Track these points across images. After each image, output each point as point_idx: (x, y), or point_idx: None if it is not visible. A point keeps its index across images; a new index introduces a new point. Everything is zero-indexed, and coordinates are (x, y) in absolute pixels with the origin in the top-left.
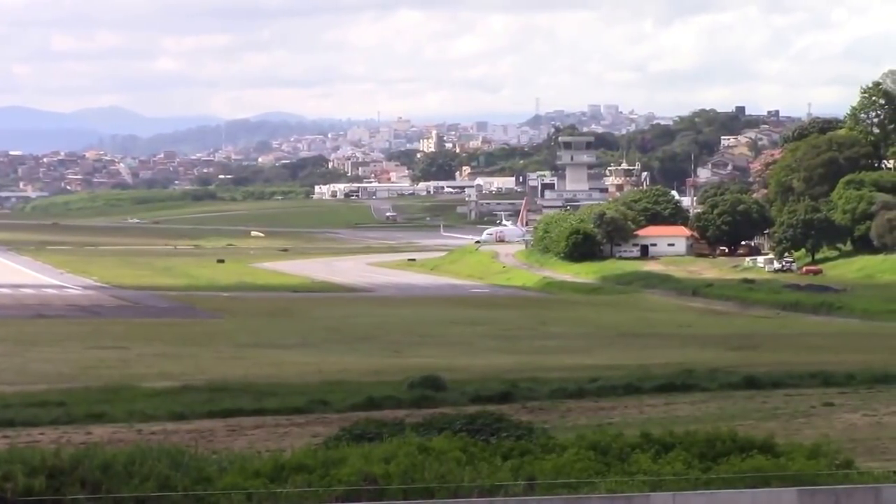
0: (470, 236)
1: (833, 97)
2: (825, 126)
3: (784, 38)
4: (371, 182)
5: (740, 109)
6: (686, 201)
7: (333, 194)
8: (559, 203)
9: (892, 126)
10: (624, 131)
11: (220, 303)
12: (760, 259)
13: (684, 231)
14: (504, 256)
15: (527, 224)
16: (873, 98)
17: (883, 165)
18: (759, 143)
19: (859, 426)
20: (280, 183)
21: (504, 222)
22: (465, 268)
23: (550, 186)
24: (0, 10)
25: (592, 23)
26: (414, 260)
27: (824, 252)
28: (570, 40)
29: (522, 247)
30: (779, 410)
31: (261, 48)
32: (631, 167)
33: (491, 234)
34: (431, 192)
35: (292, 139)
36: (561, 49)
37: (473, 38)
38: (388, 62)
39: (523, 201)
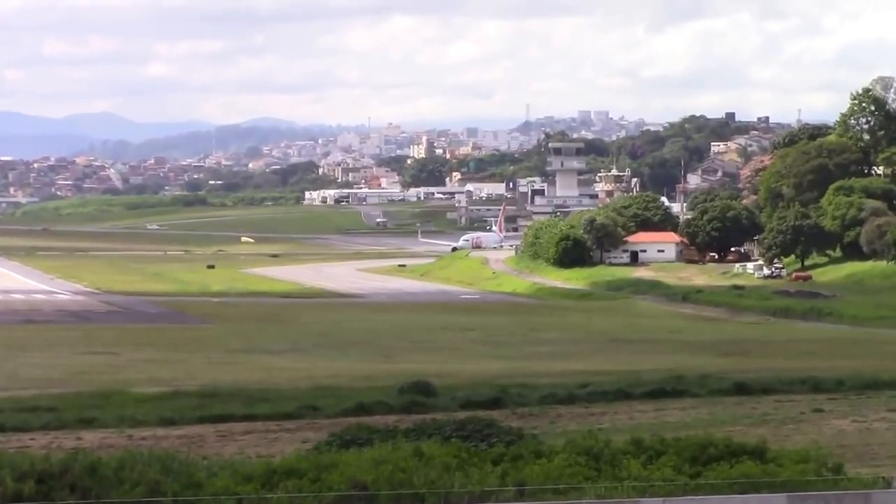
0: (447, 242)
1: (823, 103)
2: (815, 132)
3: (776, 44)
4: (361, 188)
5: (730, 115)
6: (676, 207)
7: (324, 200)
8: (549, 209)
9: (881, 132)
10: (614, 137)
11: (211, 308)
12: (750, 265)
13: (674, 237)
14: (494, 262)
15: (513, 230)
16: (863, 104)
17: (873, 172)
18: (749, 149)
19: (849, 432)
20: (270, 189)
21: (494, 228)
22: (455, 274)
23: (540, 192)
24: None
25: (585, 28)
26: (404, 266)
27: (814, 258)
28: (563, 46)
29: (512, 252)
30: (768, 416)
31: (254, 53)
32: (621, 173)
33: (467, 240)
34: (422, 198)
35: (283, 145)
36: (553, 55)
37: (466, 43)
38: (380, 68)
39: (501, 207)
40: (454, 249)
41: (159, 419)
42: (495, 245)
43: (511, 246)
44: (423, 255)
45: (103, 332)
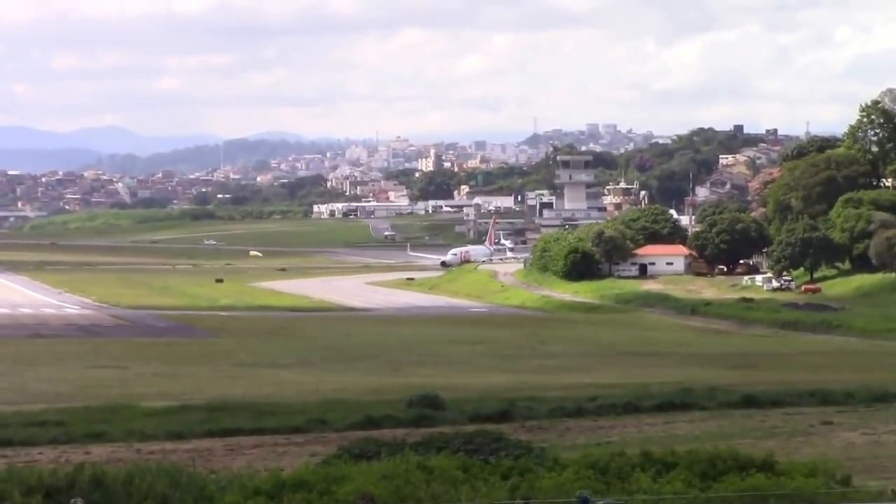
0: (437, 256)
1: (832, 115)
2: (824, 144)
3: (786, 56)
4: (369, 201)
5: (738, 128)
6: (684, 220)
7: (332, 213)
8: (558, 222)
9: (890, 144)
10: (622, 150)
11: (219, 322)
12: (759, 278)
13: (683, 250)
14: (503, 275)
15: (522, 242)
16: (872, 117)
17: (881, 184)
18: (758, 161)
19: (858, 445)
20: (278, 202)
21: (503, 241)
22: (463, 287)
23: (549, 205)
24: (1, 28)
25: (595, 41)
26: (412, 279)
27: (823, 271)
28: (572, 58)
29: (521, 265)
30: (777, 429)
31: (262, 67)
32: (629, 186)
33: (456, 255)
34: (430, 212)
35: (290, 158)
36: (562, 67)
37: (475, 56)
38: (389, 81)
39: (492, 220)
40: (443, 264)
41: (168, 433)
42: (484, 258)
43: (501, 259)
44: (431, 268)
45: (111, 345)
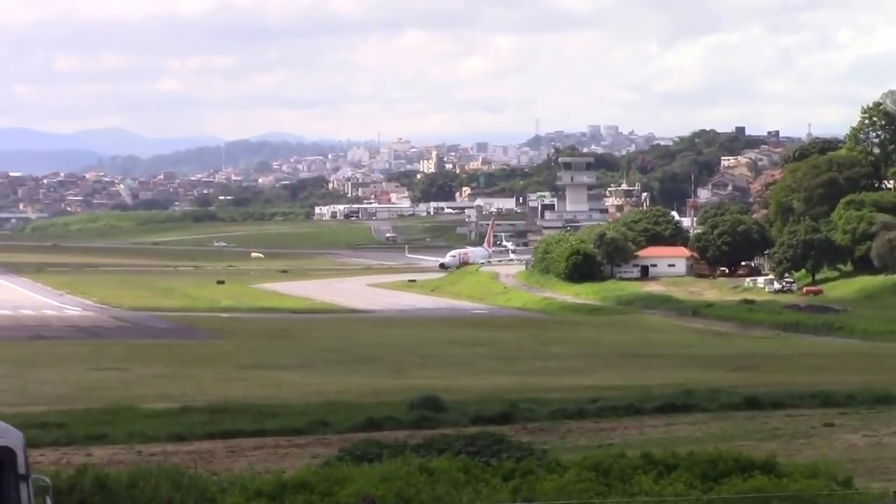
0: (434, 258)
1: (835, 117)
2: (825, 146)
3: (788, 58)
4: (371, 203)
5: (740, 130)
6: (686, 222)
7: (333, 215)
8: (559, 224)
9: (892, 146)
10: (624, 152)
11: (220, 324)
12: (760, 279)
13: (684, 252)
14: (504, 277)
15: (524, 244)
16: (873, 118)
17: (883, 185)
18: (760, 163)
19: (860, 446)
20: (280, 204)
21: (504, 243)
22: (465, 288)
23: (550, 207)
24: (4, 29)
25: (597, 43)
26: (414, 281)
27: (825, 272)
28: (574, 60)
29: (522, 267)
30: (779, 431)
31: (264, 69)
32: (631, 188)
33: (455, 256)
34: (431, 213)
35: (292, 160)
36: (564, 69)
37: (477, 58)
38: (391, 83)
39: (490, 222)
40: (442, 266)
41: (169, 435)
42: (483, 260)
43: (499, 261)
44: (432, 270)
45: (113, 347)
